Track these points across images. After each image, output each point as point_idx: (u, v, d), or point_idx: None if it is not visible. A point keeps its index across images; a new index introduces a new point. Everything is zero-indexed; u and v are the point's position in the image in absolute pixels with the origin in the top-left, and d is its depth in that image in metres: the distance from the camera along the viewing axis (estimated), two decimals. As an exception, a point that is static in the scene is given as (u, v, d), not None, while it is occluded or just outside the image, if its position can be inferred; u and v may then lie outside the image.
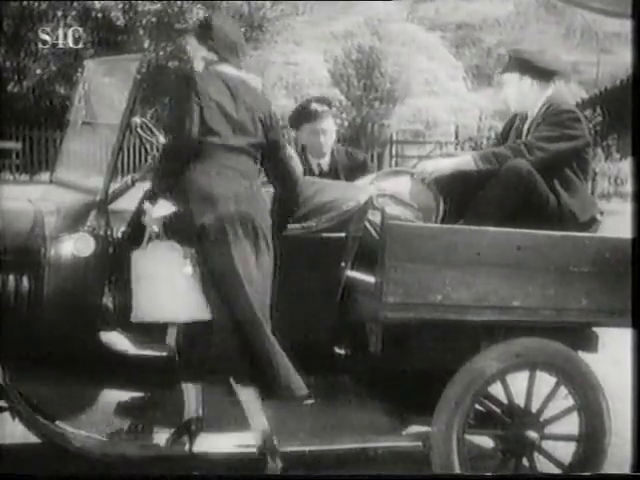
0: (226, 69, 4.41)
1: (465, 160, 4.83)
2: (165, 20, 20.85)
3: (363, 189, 4.74)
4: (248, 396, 4.23)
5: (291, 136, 5.50)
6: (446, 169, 4.86)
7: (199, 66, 4.44)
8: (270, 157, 4.47)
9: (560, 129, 4.78)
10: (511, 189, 4.66)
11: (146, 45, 20.31)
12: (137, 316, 4.21)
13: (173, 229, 4.22)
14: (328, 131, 5.42)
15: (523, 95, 4.91)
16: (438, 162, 4.96)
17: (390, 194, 4.76)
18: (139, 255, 4.22)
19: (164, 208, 4.21)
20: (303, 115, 5.40)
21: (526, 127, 4.94)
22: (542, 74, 4.89)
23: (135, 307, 4.20)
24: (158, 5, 20.72)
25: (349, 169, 5.41)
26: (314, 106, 5.41)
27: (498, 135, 5.34)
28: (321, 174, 5.38)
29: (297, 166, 4.68)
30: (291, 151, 4.71)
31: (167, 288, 4.17)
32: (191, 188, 4.21)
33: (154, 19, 20.61)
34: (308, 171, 5.31)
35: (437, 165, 4.91)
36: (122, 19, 20.44)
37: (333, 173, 5.39)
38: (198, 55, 4.46)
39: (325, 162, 5.43)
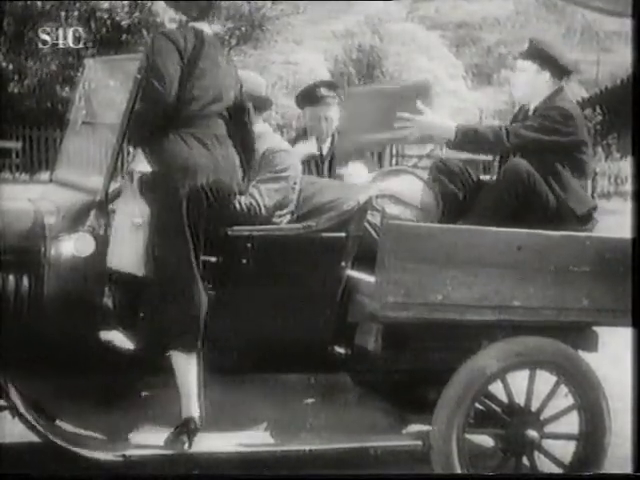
0: (202, 26, 4.41)
1: (447, 128, 4.79)
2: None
3: (363, 189, 4.74)
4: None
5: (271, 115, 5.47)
6: (426, 128, 4.82)
7: (171, 27, 4.45)
8: (237, 121, 4.49)
9: (544, 121, 4.76)
10: (511, 188, 4.66)
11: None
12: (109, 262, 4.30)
13: (149, 187, 4.28)
14: (329, 118, 5.42)
15: (535, 88, 4.90)
16: (428, 118, 4.82)
17: (390, 194, 4.76)
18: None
19: (143, 165, 4.31)
20: (307, 98, 5.40)
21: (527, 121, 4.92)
22: (560, 72, 4.90)
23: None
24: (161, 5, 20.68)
25: (347, 155, 5.42)
26: (320, 91, 5.42)
27: None
28: (322, 157, 5.40)
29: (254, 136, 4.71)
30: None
31: (120, 238, 4.27)
32: (172, 156, 4.26)
33: (158, 19, 20.59)
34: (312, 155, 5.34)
35: (423, 122, 4.81)
36: (126, 19, 20.43)
37: (330, 158, 5.40)
38: (166, 17, 4.47)
39: (326, 146, 5.43)
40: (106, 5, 20.36)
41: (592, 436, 4.49)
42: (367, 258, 4.41)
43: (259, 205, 4.54)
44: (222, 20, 21.23)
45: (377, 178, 4.98)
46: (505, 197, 4.67)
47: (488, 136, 4.75)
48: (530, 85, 4.92)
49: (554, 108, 4.82)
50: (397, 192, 4.81)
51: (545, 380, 4.49)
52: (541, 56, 4.88)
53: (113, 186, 4.38)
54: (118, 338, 4.38)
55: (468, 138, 4.75)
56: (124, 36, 20.55)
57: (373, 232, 4.54)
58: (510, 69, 25.25)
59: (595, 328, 4.63)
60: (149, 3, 20.62)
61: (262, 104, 4.97)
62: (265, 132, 4.84)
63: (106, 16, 20.30)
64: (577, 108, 5.00)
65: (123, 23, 20.44)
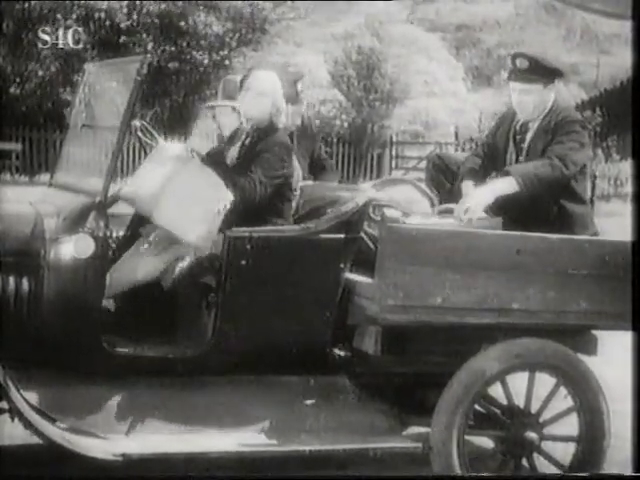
0: None
1: (508, 184, 4.57)
2: (167, 21, 20.89)
3: (362, 191, 4.75)
4: None
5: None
6: (490, 199, 4.57)
7: None
8: None
9: (578, 138, 4.69)
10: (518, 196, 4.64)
11: (149, 47, 20.33)
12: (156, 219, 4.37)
13: None
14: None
15: (543, 103, 4.78)
16: (480, 196, 4.59)
17: (386, 203, 4.76)
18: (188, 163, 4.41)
19: None
20: None
21: (530, 134, 4.81)
22: (549, 74, 4.77)
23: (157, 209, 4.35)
24: (162, 6, 20.75)
25: None
26: None
27: (489, 135, 5.16)
28: None
29: None
30: None
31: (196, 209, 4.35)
32: None
33: (157, 20, 20.63)
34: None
35: (481, 200, 4.57)
36: (125, 21, 20.45)
37: None
38: None
39: None
40: (104, 6, 20.38)
41: (592, 438, 4.49)
42: (366, 260, 4.42)
43: None
44: (222, 22, 21.26)
45: (375, 187, 4.99)
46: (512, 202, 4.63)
47: (550, 175, 4.57)
48: (539, 103, 4.77)
49: (574, 122, 4.75)
50: (393, 201, 4.80)
51: (545, 382, 4.49)
52: (547, 70, 4.76)
53: (113, 188, 4.39)
54: (118, 339, 4.39)
55: (533, 185, 4.55)
56: (123, 38, 20.58)
57: (370, 244, 4.54)
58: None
59: (594, 331, 4.63)
60: (147, 5, 20.65)
61: None
62: None
63: (104, 16, 20.33)
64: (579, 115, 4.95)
65: (122, 25, 20.47)
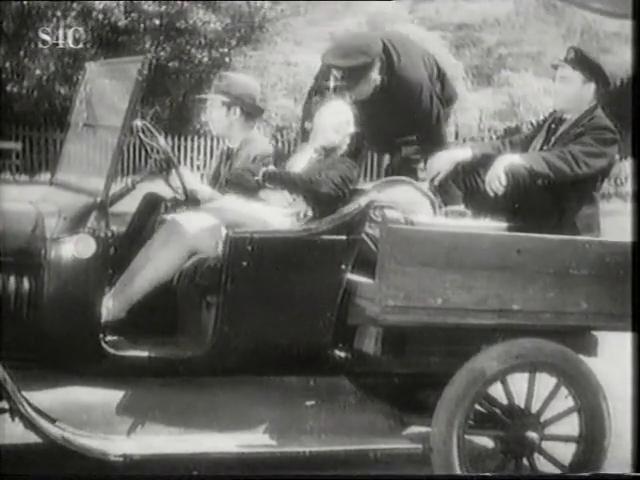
0: None
1: (517, 159, 4.71)
2: (166, 20, 20.88)
3: (364, 193, 4.75)
4: None
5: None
6: (505, 162, 4.70)
7: None
8: None
9: (603, 147, 4.75)
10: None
11: (147, 45, 20.31)
12: None
13: None
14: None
15: (580, 99, 4.85)
16: (499, 161, 4.74)
17: (386, 205, 4.76)
18: None
19: None
20: None
21: (562, 129, 4.87)
22: (604, 84, 4.86)
23: None
24: (159, 6, 20.73)
25: None
26: None
27: (529, 130, 5.25)
28: None
29: None
30: None
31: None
32: None
33: (156, 20, 20.62)
34: None
35: (498, 163, 4.71)
36: (123, 19, 20.44)
37: None
38: None
39: None
40: (101, 6, 20.36)
41: (592, 438, 4.50)
42: (367, 261, 4.42)
43: None
44: (221, 19, 21.25)
45: (376, 187, 4.99)
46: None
47: (557, 165, 4.65)
48: (576, 96, 4.84)
49: (605, 129, 4.80)
50: (394, 202, 4.80)
51: (545, 382, 4.49)
52: (590, 66, 4.82)
53: (114, 188, 4.39)
54: (118, 340, 4.39)
55: (541, 166, 4.65)
56: (121, 37, 20.56)
57: (372, 245, 4.55)
58: (510, 70, 25.23)
59: (595, 331, 4.64)
60: (145, 4, 20.64)
61: (255, 111, 5.03)
62: (255, 137, 4.90)
63: (102, 16, 20.31)
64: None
65: (120, 24, 20.45)
